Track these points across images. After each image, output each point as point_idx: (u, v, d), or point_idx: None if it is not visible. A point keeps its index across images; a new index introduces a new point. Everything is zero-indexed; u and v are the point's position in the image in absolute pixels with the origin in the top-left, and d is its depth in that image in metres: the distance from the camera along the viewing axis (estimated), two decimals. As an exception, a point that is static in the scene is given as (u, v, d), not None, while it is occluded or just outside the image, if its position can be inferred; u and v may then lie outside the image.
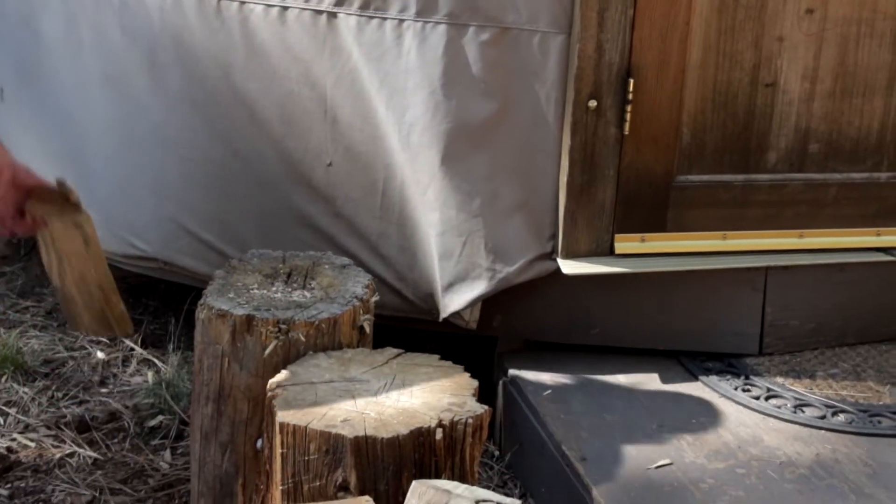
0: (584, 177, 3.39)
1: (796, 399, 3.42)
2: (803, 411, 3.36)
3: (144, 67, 3.75)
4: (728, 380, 3.52)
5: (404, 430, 2.40)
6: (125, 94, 3.82)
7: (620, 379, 3.53)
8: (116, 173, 3.89)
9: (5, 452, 3.43)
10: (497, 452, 3.54)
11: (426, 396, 2.55)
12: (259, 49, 3.54)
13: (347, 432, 2.38)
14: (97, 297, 3.06)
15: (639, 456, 3.11)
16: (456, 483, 2.29)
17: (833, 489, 2.97)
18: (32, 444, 3.46)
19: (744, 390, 3.47)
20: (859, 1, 3.48)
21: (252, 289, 2.87)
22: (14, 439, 3.52)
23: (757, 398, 3.42)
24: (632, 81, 3.34)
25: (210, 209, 3.76)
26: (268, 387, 2.59)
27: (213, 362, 2.76)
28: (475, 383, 2.63)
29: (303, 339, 2.72)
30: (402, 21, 3.33)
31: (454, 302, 3.47)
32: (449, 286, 3.46)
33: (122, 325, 3.12)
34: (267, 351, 2.71)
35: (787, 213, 3.59)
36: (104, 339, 4.09)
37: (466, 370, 2.70)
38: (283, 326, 2.70)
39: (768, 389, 3.47)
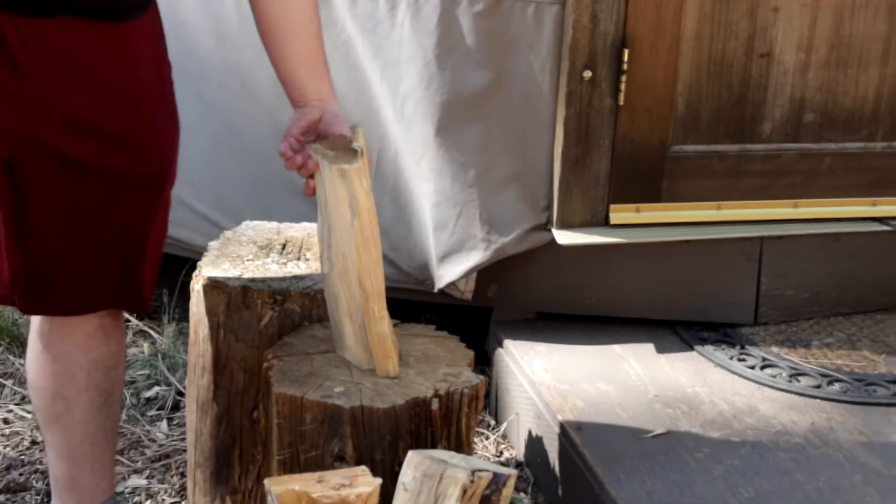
0: (579, 147, 3.39)
1: (791, 368, 3.43)
2: (798, 381, 3.37)
3: (138, 39, 3.73)
4: (723, 349, 3.53)
5: (400, 401, 2.40)
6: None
7: (616, 349, 3.54)
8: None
9: (1, 424, 3.44)
10: (493, 422, 3.55)
11: (422, 367, 2.55)
12: (251, 19, 3.51)
13: (344, 402, 2.38)
14: (357, 303, 2.46)
15: (634, 425, 3.12)
16: (452, 453, 2.30)
17: (828, 458, 2.98)
18: (29, 416, 3.47)
19: (739, 360, 3.47)
20: (854, -30, 3.48)
21: (247, 260, 2.87)
22: (10, 411, 3.52)
23: (752, 368, 3.43)
24: (626, 52, 3.34)
25: (204, 181, 3.75)
26: (263, 358, 2.59)
27: (209, 333, 2.76)
28: (471, 354, 2.63)
29: (298, 309, 2.72)
30: (396, -9, 3.32)
31: (449, 273, 3.47)
32: (444, 257, 3.46)
33: (383, 360, 2.48)
34: (262, 322, 2.71)
35: (781, 182, 3.59)
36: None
37: (462, 340, 2.71)
38: (278, 297, 2.70)
39: (763, 359, 3.48)
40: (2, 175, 2.37)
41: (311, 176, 2.47)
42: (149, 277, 2.64)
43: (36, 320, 2.66)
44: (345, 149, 2.40)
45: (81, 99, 2.35)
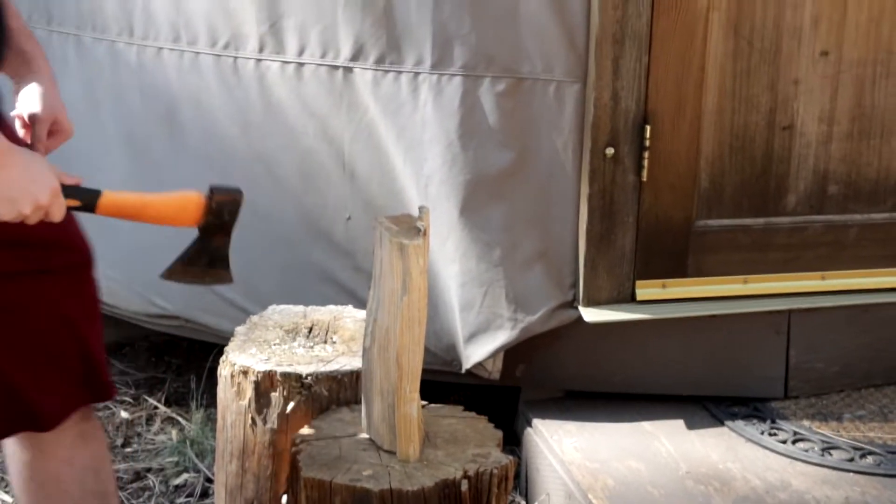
0: (604, 224, 3.39)
1: (823, 442, 3.40)
2: (831, 454, 3.34)
3: (163, 127, 3.78)
4: (754, 424, 3.51)
5: (430, 483, 2.39)
6: (144, 153, 3.84)
7: (646, 426, 3.51)
8: (137, 232, 3.90)
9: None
10: (523, 503, 3.53)
11: (450, 448, 2.54)
12: (276, 106, 3.56)
13: (373, 486, 2.37)
14: (391, 381, 2.46)
15: (666, 503, 3.09)
16: (482, 534, 2.29)
17: (863, 532, 2.96)
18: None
19: (770, 434, 3.45)
20: (874, 42, 3.49)
21: (274, 344, 2.87)
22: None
23: (784, 442, 3.40)
24: (648, 128, 3.35)
25: (231, 267, 3.76)
26: (292, 442, 2.59)
27: (237, 419, 2.76)
28: (499, 434, 2.62)
29: (326, 393, 2.72)
30: (417, 74, 3.34)
31: (476, 353, 3.46)
32: (471, 337, 3.45)
33: (405, 443, 2.48)
34: (290, 406, 2.70)
35: (808, 255, 3.59)
36: (127, 399, 4.09)
37: (490, 420, 2.70)
38: (305, 381, 2.70)
39: (795, 433, 3.45)
40: None
41: None
42: (105, 361, 2.63)
43: (14, 452, 2.64)
44: (408, 227, 2.45)
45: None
